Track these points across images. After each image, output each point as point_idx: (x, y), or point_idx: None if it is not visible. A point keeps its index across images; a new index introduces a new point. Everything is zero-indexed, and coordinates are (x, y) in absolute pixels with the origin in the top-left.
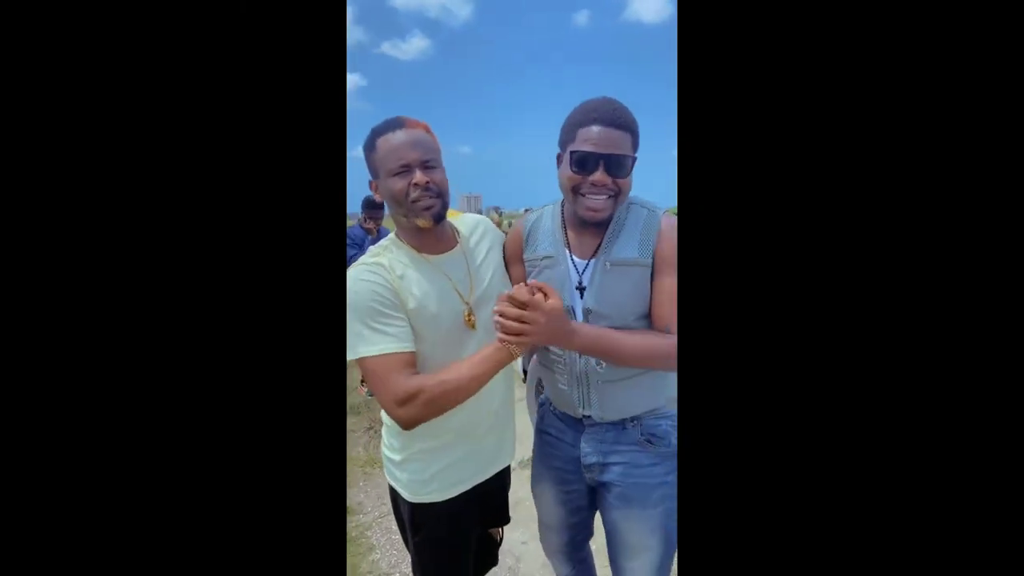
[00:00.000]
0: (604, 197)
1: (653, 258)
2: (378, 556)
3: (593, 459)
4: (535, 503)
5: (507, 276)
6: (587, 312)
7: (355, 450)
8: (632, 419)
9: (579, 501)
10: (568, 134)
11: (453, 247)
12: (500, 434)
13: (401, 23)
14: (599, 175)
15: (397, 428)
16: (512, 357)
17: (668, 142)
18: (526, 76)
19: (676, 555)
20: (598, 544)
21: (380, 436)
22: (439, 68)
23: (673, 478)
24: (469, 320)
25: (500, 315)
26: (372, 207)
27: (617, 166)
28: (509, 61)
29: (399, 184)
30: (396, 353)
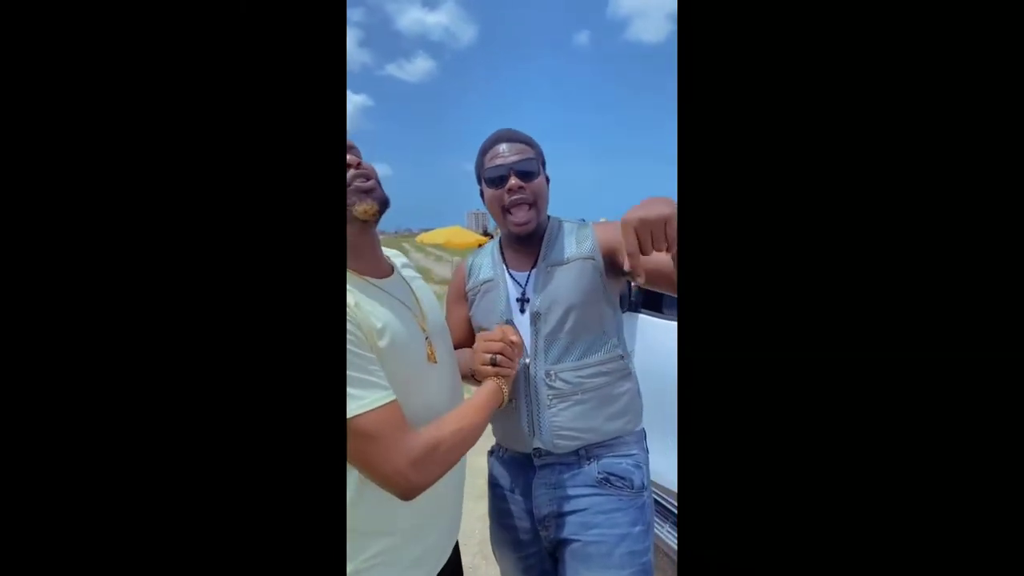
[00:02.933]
0: (525, 208)
1: (602, 250)
2: None
3: (547, 509)
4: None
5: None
6: (535, 316)
7: None
8: (587, 454)
9: (542, 565)
10: (479, 164)
11: (392, 272)
12: (454, 504)
13: (405, 46)
14: (513, 182)
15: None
16: (504, 399)
17: (668, 164)
18: (527, 95)
19: None
20: None
21: None
22: (443, 88)
23: (640, 529)
24: (431, 354)
25: (499, 354)
26: None
27: (526, 171)
28: (512, 81)
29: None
30: (392, 403)
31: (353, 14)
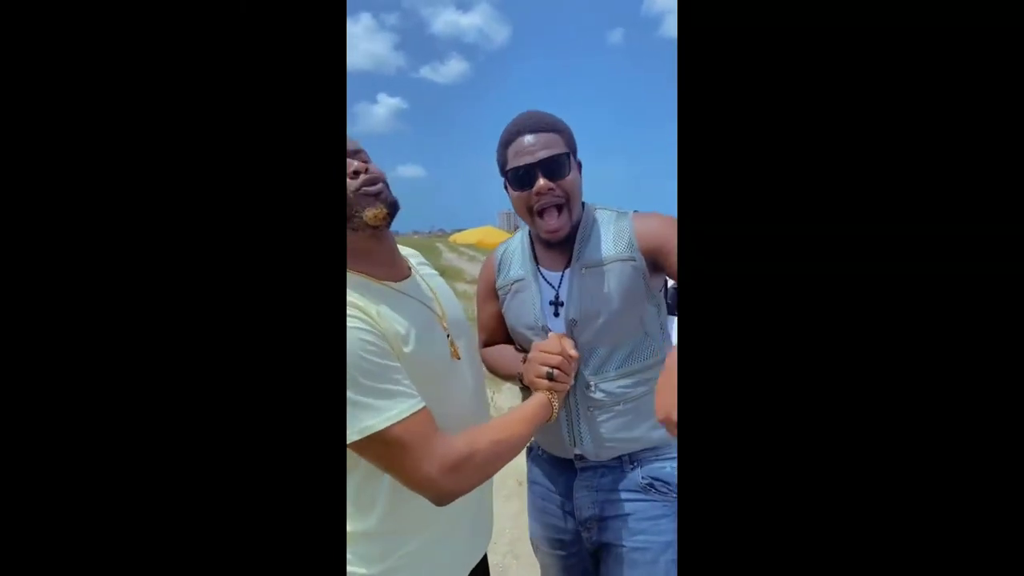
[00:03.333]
0: (556, 212)
1: (642, 251)
2: None
3: (589, 512)
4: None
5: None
6: (572, 324)
7: None
8: (631, 459)
9: (583, 565)
10: (501, 157)
11: (410, 274)
12: (484, 507)
13: (440, 48)
14: (541, 183)
15: (376, 532)
16: (554, 414)
17: None
18: (560, 94)
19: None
20: None
21: None
22: (477, 90)
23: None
24: (455, 351)
25: (556, 368)
26: None
27: (555, 168)
28: (545, 81)
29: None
30: (422, 410)
31: (388, 19)
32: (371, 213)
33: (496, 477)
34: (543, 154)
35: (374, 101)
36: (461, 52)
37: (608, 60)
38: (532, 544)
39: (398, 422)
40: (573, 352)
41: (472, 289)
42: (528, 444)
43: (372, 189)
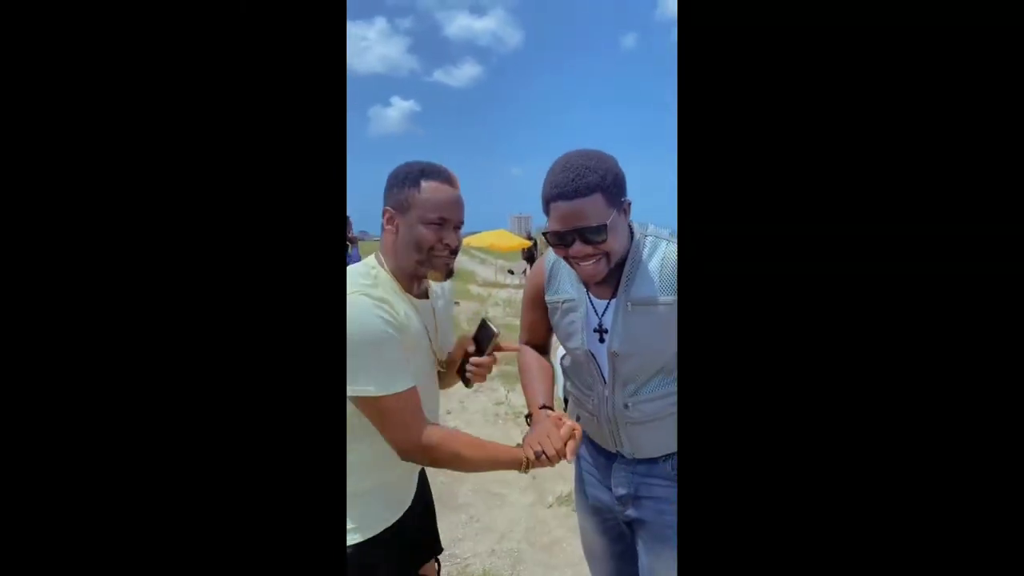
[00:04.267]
0: (593, 262)
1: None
2: None
3: (624, 491)
4: (580, 530)
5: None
6: (613, 356)
7: None
8: (665, 456)
9: (619, 529)
10: (544, 205)
11: (428, 296)
12: (411, 473)
13: (453, 52)
14: (577, 248)
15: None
16: (524, 466)
17: None
18: (574, 99)
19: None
20: None
21: None
22: (490, 93)
23: None
24: (439, 363)
25: (546, 456)
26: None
27: (592, 235)
28: (558, 84)
29: (429, 234)
30: (413, 389)
31: (402, 22)
32: (434, 274)
33: (513, 473)
34: (580, 224)
35: (388, 104)
36: (475, 56)
37: (622, 64)
38: (577, 513)
39: (389, 394)
40: (570, 457)
41: (484, 292)
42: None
43: (443, 261)
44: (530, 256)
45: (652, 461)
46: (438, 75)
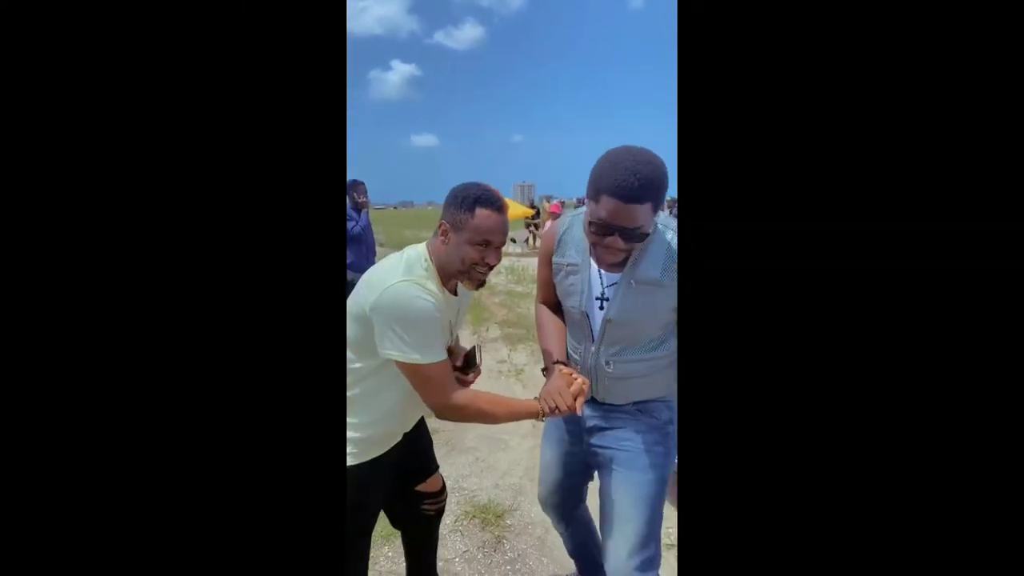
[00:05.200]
0: (615, 253)
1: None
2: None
3: (592, 422)
4: (540, 460)
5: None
6: (607, 322)
7: None
8: (633, 403)
9: (575, 466)
10: (593, 189)
11: (456, 294)
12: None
13: (455, 12)
14: (611, 240)
15: (358, 418)
16: (540, 416)
17: None
18: (579, 62)
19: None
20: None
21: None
22: (492, 56)
23: (661, 449)
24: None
25: (558, 409)
26: (355, 185)
27: (630, 236)
28: (562, 48)
29: (474, 253)
30: (444, 361)
31: None
32: (468, 284)
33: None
34: (627, 225)
35: (387, 68)
36: (476, 16)
37: (627, 23)
38: (541, 449)
39: (437, 363)
40: (579, 412)
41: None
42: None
43: (480, 277)
44: (533, 224)
45: (620, 405)
46: (439, 37)
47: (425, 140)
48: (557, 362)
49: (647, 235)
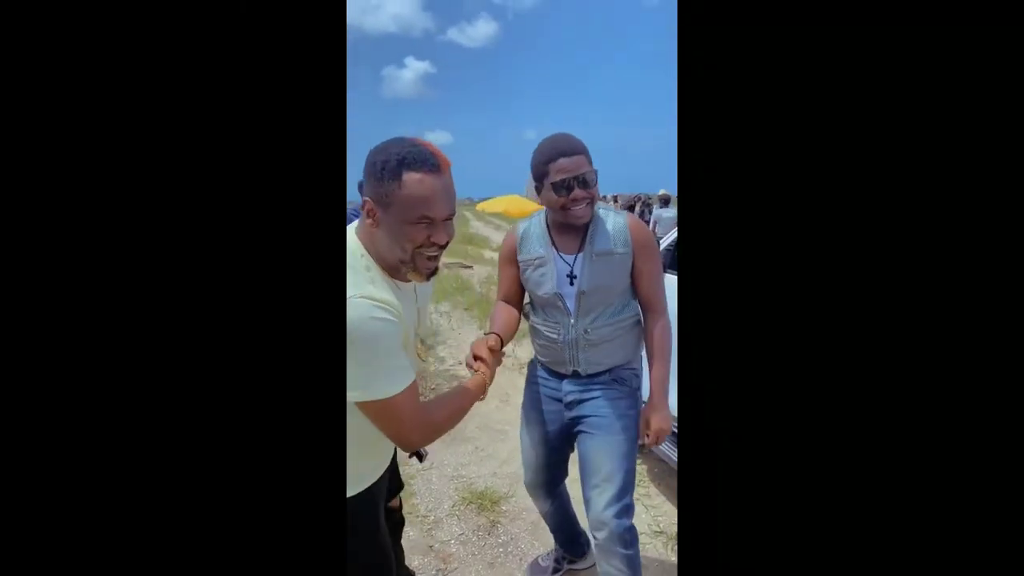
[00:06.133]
0: (584, 205)
1: (632, 248)
2: (417, 501)
3: (572, 396)
4: (521, 448)
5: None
6: (581, 294)
7: None
8: (607, 372)
9: (557, 442)
10: (541, 170)
11: (408, 282)
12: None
13: (468, 9)
14: (578, 191)
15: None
16: (486, 393)
17: None
18: (592, 58)
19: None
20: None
21: None
22: (505, 53)
23: (633, 412)
24: (420, 351)
25: (479, 362)
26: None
27: (588, 180)
28: (576, 44)
29: (416, 235)
30: (413, 383)
31: None
32: (415, 275)
33: (515, 412)
34: (580, 172)
35: (401, 65)
36: (490, 11)
37: (642, 19)
38: (521, 435)
39: (403, 391)
40: (486, 356)
41: (497, 256)
42: (531, 359)
43: (431, 264)
44: None
45: (596, 375)
46: (452, 34)
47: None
48: (488, 333)
49: (595, 180)
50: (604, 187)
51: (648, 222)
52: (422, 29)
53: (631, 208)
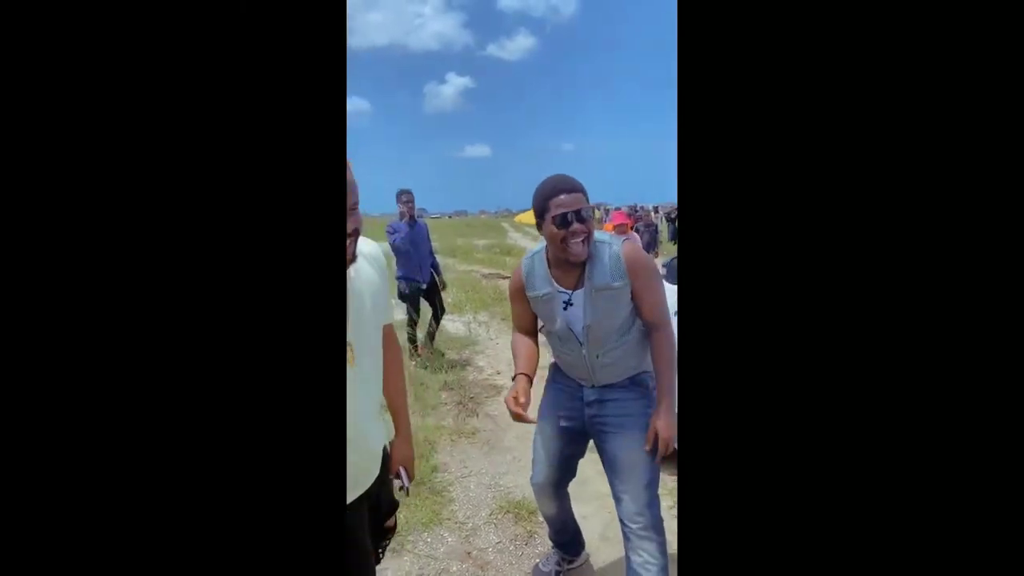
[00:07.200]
0: (580, 241)
1: (629, 278)
2: (456, 508)
3: (593, 397)
4: (533, 444)
5: (385, 306)
6: (587, 327)
7: (445, 420)
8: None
9: (574, 441)
10: (542, 206)
11: (355, 259)
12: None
13: (507, 24)
14: (576, 225)
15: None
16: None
17: None
18: (628, 70)
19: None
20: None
21: (468, 410)
22: (543, 66)
23: (650, 410)
24: (351, 358)
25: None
26: (400, 194)
27: (584, 216)
28: (612, 55)
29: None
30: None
31: None
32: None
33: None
34: (578, 207)
35: (443, 81)
36: (529, 26)
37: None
38: (536, 432)
39: None
40: (520, 411)
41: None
42: (552, 362)
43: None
44: None
45: (614, 384)
46: (492, 49)
47: (478, 150)
48: (518, 375)
49: (591, 216)
50: (642, 197)
51: None
52: (463, 45)
53: (671, 220)
